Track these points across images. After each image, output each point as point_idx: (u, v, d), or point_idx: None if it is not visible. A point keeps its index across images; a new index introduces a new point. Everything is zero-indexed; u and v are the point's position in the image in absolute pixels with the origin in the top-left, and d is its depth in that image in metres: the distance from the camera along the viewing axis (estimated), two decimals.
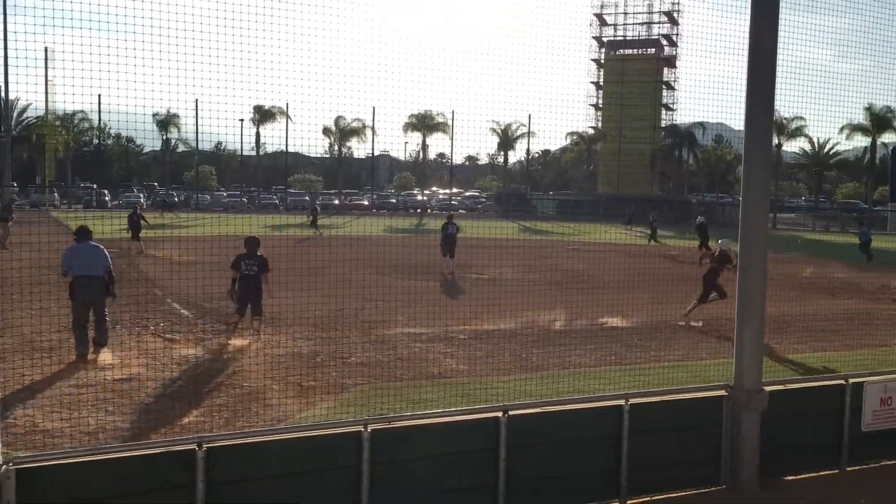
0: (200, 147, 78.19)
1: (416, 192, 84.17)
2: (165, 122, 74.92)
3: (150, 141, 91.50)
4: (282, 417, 9.59)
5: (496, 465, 7.03)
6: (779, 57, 8.08)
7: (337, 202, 75.51)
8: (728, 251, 17.05)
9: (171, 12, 7.49)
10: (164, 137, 78.71)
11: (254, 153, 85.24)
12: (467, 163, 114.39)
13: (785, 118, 67.89)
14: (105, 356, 12.37)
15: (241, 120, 68.75)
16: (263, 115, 75.93)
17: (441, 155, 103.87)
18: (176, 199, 71.43)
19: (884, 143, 69.26)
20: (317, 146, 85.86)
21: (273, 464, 6.32)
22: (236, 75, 8.42)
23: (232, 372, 12.04)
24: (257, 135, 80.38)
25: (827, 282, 24.12)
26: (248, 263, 14.25)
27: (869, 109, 65.76)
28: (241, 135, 77.44)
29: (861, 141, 72.15)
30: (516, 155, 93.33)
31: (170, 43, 7.67)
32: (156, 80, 7.90)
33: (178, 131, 79.24)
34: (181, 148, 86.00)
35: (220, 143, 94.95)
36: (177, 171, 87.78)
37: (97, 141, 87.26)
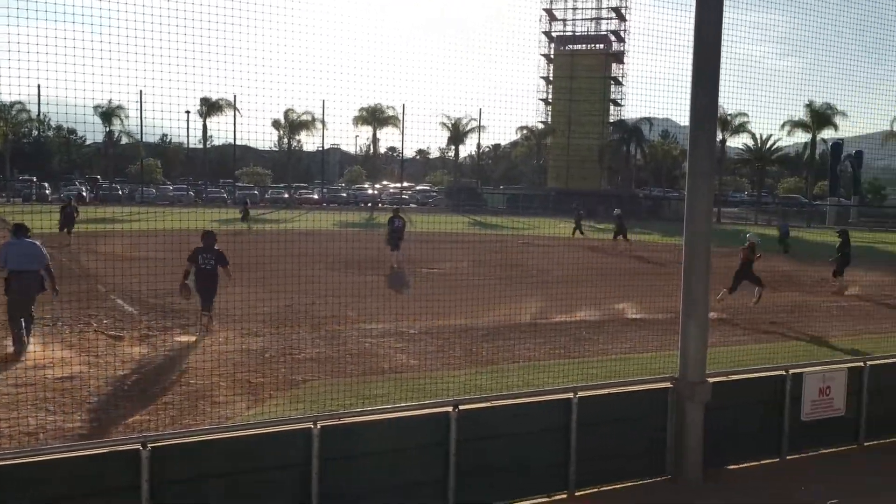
0: (145, 139, 76.59)
1: (366, 186, 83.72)
2: (108, 114, 73.09)
3: (93, 134, 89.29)
4: (230, 415, 9.48)
5: (446, 459, 7.06)
6: (723, 53, 8.24)
7: (286, 196, 74.71)
8: (756, 243, 18.56)
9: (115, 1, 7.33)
10: (108, 129, 76.76)
11: (201, 146, 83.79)
12: (418, 157, 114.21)
13: (729, 114, 69.36)
14: (44, 353, 12.06)
15: (188, 112, 67.44)
16: (211, 108, 74.63)
17: (392, 149, 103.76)
18: (120, 192, 69.89)
19: (823, 140, 71.20)
20: (266, 139, 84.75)
21: (220, 462, 6.24)
22: (183, 66, 8.26)
23: (179, 369, 11.85)
24: (204, 127, 79.03)
25: (769, 275, 24.67)
26: (205, 257, 14.22)
27: (809, 106, 67.49)
28: (188, 127, 76.05)
29: (802, 137, 74.08)
30: (467, 149, 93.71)
31: (111, 32, 7.49)
32: (98, 71, 7.71)
33: (122, 123, 77.42)
34: (125, 140, 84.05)
35: (165, 135, 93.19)
36: (121, 163, 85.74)
37: (37, 133, 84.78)
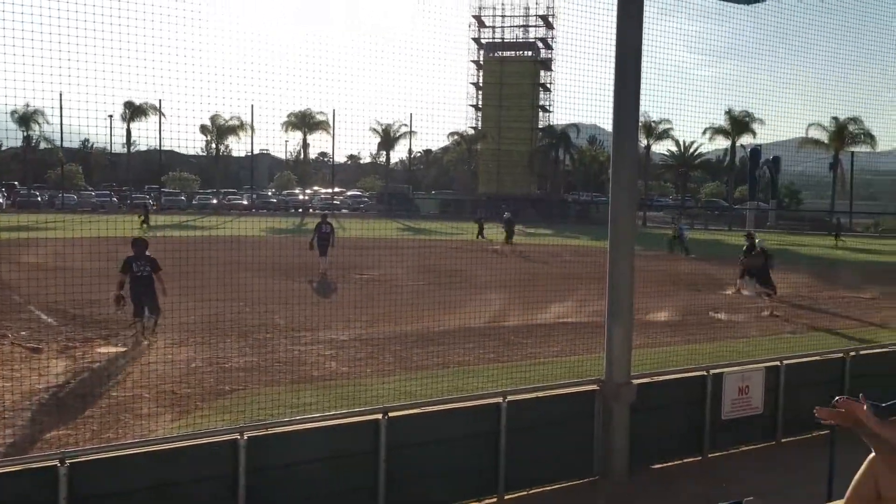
0: (66, 144, 74.12)
1: (297, 191, 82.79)
2: (26, 118, 70.48)
3: (8, 140, 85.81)
4: (154, 428, 9.24)
5: (376, 466, 7.04)
6: (645, 61, 8.45)
7: (215, 202, 73.30)
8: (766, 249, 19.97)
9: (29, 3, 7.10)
10: (25, 134, 73.97)
11: (125, 151, 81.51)
12: (349, 162, 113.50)
13: (653, 121, 71.16)
14: None
15: (110, 116, 65.64)
16: (135, 112, 72.68)
17: (323, 154, 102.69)
18: (39, 198, 67.42)
19: (742, 146, 73.61)
20: (193, 144, 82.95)
21: (143, 477, 6.09)
22: (105, 69, 8.05)
23: (101, 381, 11.50)
24: (128, 132, 76.87)
25: (692, 277, 25.41)
26: (139, 265, 14.12)
27: (729, 113, 69.79)
28: (111, 132, 73.93)
29: (722, 143, 76.49)
30: (398, 154, 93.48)
31: (30, 33, 7.25)
32: (15, 74, 7.46)
33: (40, 127, 74.74)
34: (44, 145, 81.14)
35: (87, 139, 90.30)
36: (40, 169, 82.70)
37: None
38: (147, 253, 14.38)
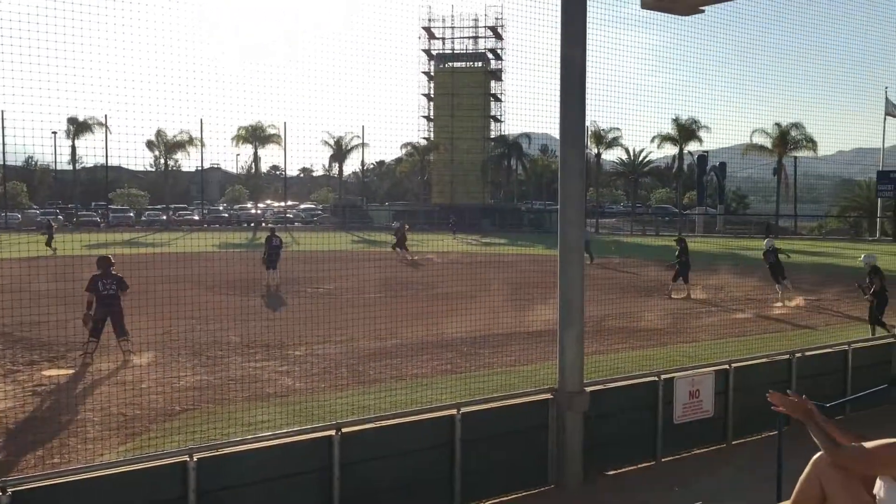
0: (9, 163, 72.26)
1: (249, 205, 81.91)
2: None
3: None
4: (101, 452, 9.03)
5: (330, 483, 6.97)
6: (591, 70, 8.56)
7: (164, 217, 72.13)
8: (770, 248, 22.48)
9: None
10: None
11: (70, 167, 79.75)
12: (302, 175, 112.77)
13: (602, 129, 72.18)
14: None
15: (54, 132, 64.11)
16: (79, 128, 71.20)
17: (275, 167, 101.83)
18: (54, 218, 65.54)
19: (690, 152, 75.05)
20: (141, 160, 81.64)
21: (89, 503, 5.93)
22: (49, 85, 7.89)
23: (47, 405, 11.21)
24: (73, 148, 75.26)
25: (642, 282, 25.78)
26: (105, 283, 13.98)
27: (676, 120, 71.15)
28: (55, 148, 72.28)
29: (670, 150, 77.87)
30: (352, 166, 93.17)
31: None
32: None
33: None
34: None
35: (30, 157, 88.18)
36: None
37: None
38: (113, 271, 14.27)
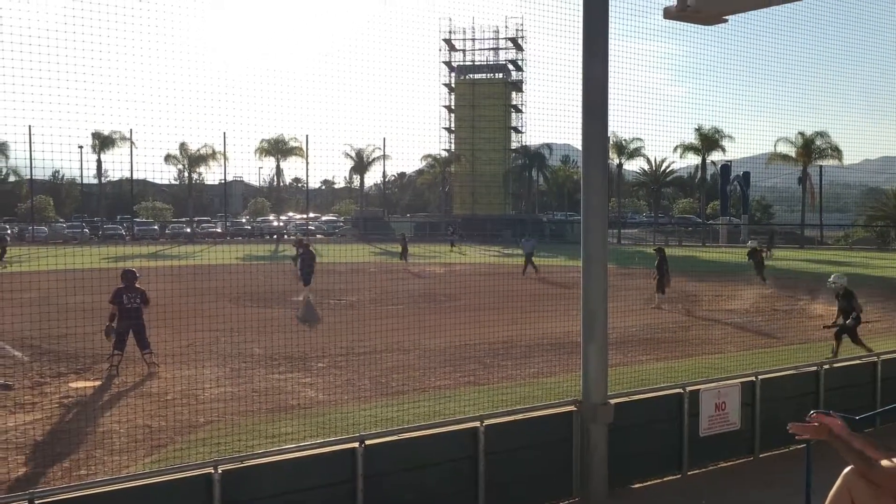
0: (37, 176, 73.35)
1: (271, 217, 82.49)
2: None
3: None
4: (127, 463, 9.09)
5: (354, 495, 6.96)
6: (613, 81, 8.51)
7: (188, 230, 72.81)
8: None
9: None
10: None
11: (96, 181, 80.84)
12: (324, 187, 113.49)
13: (624, 139, 71.97)
14: None
15: (81, 147, 65.02)
16: (104, 142, 72.12)
17: (297, 179, 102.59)
18: (8, 231, 66.46)
19: (713, 162, 74.62)
20: (165, 173, 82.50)
21: None
22: (75, 100, 8.01)
23: (73, 416, 11.31)
24: (98, 162, 76.32)
25: (667, 292, 25.56)
26: (130, 297, 14.11)
27: (699, 130, 70.80)
28: (81, 162, 73.29)
29: (693, 159, 77.48)
30: (373, 178, 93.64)
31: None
32: None
33: (7, 160, 74.10)
34: (13, 178, 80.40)
35: (57, 171, 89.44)
36: (10, 201, 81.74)
37: None
38: (137, 285, 14.40)
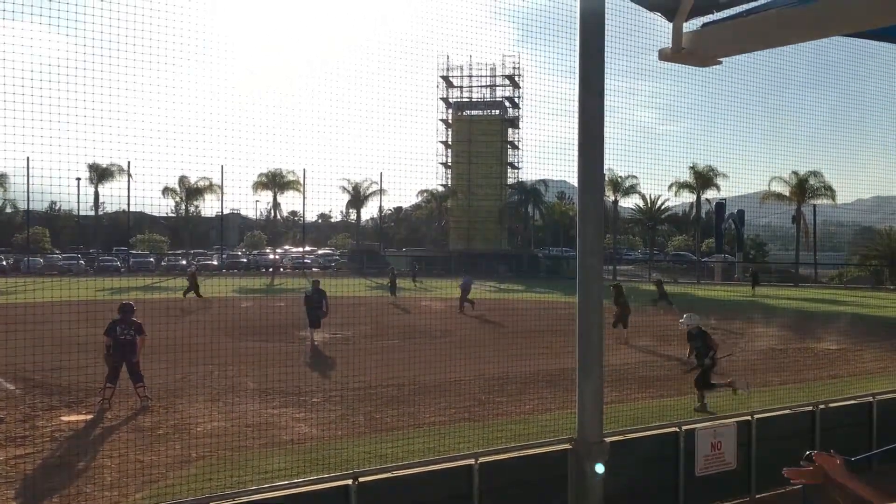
0: (34, 207, 73.45)
1: (268, 250, 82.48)
2: None
3: None
4: (117, 499, 8.98)
5: None
6: (609, 119, 8.59)
7: (184, 262, 72.71)
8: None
9: None
10: None
11: (93, 213, 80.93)
12: (320, 220, 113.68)
13: (620, 176, 72.42)
14: None
15: (78, 179, 65.20)
16: (102, 174, 72.34)
17: (293, 213, 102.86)
18: (3, 262, 66.31)
19: (707, 200, 75.01)
20: (162, 205, 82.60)
21: None
22: (73, 133, 8.07)
23: (64, 451, 11.20)
24: (96, 194, 76.47)
25: (661, 329, 25.54)
26: (123, 328, 14.12)
27: (693, 168, 71.36)
28: (78, 194, 73.45)
29: (688, 197, 77.91)
30: (369, 212, 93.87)
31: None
32: None
33: (5, 191, 74.29)
34: (9, 209, 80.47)
35: (54, 202, 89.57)
36: (6, 232, 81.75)
37: None
38: (133, 318, 14.38)
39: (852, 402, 11.49)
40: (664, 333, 23.74)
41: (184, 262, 71.04)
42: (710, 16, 7.46)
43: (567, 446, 8.40)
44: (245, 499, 6.60)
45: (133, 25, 7.95)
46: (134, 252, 76.57)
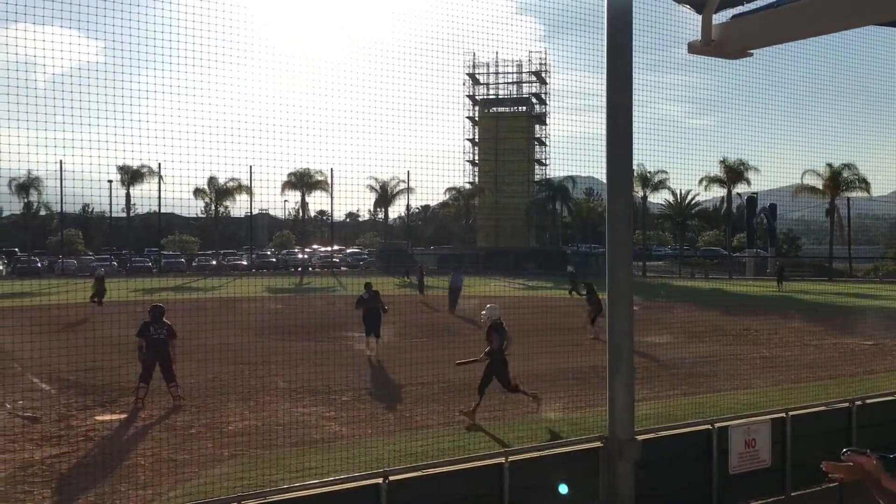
0: (67, 209, 74.81)
1: (296, 250, 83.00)
2: (25, 186, 71.38)
3: (9, 205, 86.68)
4: (152, 497, 9.08)
5: None
6: (638, 114, 8.50)
7: (214, 263, 73.43)
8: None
9: (29, 72, 7.22)
10: (26, 201, 74.71)
11: (124, 215, 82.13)
12: (348, 220, 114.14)
13: (649, 171, 71.78)
14: None
15: (110, 181, 66.18)
16: (133, 176, 73.31)
17: (321, 212, 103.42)
18: (38, 264, 67.46)
19: (738, 194, 74.16)
20: (192, 206, 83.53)
21: None
22: (105, 135, 8.15)
23: (99, 450, 11.35)
24: (127, 196, 77.56)
25: (692, 326, 25.30)
26: (156, 328, 14.38)
27: (723, 162, 70.45)
28: (110, 196, 74.58)
29: (718, 191, 77.01)
30: (397, 210, 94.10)
31: (33, 100, 7.34)
32: (17, 141, 7.56)
33: (39, 195, 75.65)
34: (44, 211, 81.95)
35: (87, 204, 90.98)
36: (41, 235, 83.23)
37: None
38: (164, 319, 14.62)
39: (890, 398, 11.28)
40: (685, 329, 23.53)
41: (214, 263, 71.82)
42: (740, 7, 7.37)
43: (598, 444, 8.34)
44: (276, 497, 6.63)
45: (161, 28, 8.01)
46: (165, 253, 77.48)
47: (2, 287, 35.12)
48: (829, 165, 65.75)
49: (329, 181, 73.54)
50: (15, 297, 29.90)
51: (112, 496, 9.18)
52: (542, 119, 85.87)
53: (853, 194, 68.04)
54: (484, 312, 13.78)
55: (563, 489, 7.74)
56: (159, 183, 68.84)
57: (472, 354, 14.13)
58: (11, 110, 7.25)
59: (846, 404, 10.38)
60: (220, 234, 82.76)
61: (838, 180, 66.84)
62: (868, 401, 10.73)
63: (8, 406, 13.82)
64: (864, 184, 66.29)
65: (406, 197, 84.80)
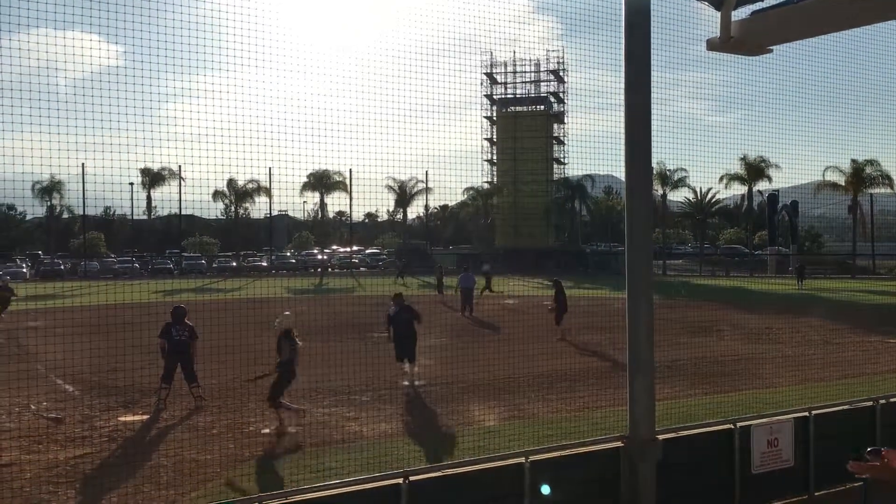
0: (89, 212, 75.58)
1: (315, 251, 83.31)
2: (49, 189, 72.18)
3: (32, 208, 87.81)
4: (174, 497, 9.16)
5: None
6: (656, 111, 8.44)
7: (234, 264, 73.92)
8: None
9: (51, 76, 7.30)
10: (49, 204, 75.60)
11: (146, 217, 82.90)
12: (367, 220, 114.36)
13: (668, 169, 71.34)
14: None
15: (132, 183, 66.88)
16: (154, 178, 73.97)
17: (340, 213, 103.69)
18: (62, 267, 68.18)
19: (759, 191, 73.49)
20: (212, 208, 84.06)
21: None
22: (126, 139, 8.24)
23: (122, 451, 11.47)
24: (148, 198, 78.31)
25: (713, 324, 25.14)
26: (178, 329, 14.53)
27: (744, 159, 69.89)
28: (132, 199, 75.34)
29: (739, 189, 76.39)
30: (416, 210, 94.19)
31: (55, 104, 7.42)
32: (38, 145, 7.64)
33: (62, 198, 76.49)
34: (66, 214, 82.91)
35: (109, 207, 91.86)
36: (64, 237, 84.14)
37: None
38: (186, 320, 14.77)
39: None
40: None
41: (234, 265, 72.28)
42: (760, 3, 7.30)
43: (619, 444, 8.30)
44: (297, 497, 6.66)
45: (181, 32, 8.06)
46: (186, 254, 78.07)
47: (25, 289, 35.37)
48: (854, 161, 64.94)
49: (348, 182, 73.79)
50: (38, 300, 30.26)
51: (136, 496, 9.27)
52: (559, 118, 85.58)
53: (876, 190, 67.23)
54: (277, 321, 13.19)
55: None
56: (180, 185, 69.55)
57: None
58: (34, 114, 7.33)
59: (870, 403, 10.26)
60: (240, 235, 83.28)
61: (861, 177, 66.04)
62: (892, 399, 10.60)
63: (32, 408, 13.97)
64: (888, 180, 65.49)
65: (424, 197, 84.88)
